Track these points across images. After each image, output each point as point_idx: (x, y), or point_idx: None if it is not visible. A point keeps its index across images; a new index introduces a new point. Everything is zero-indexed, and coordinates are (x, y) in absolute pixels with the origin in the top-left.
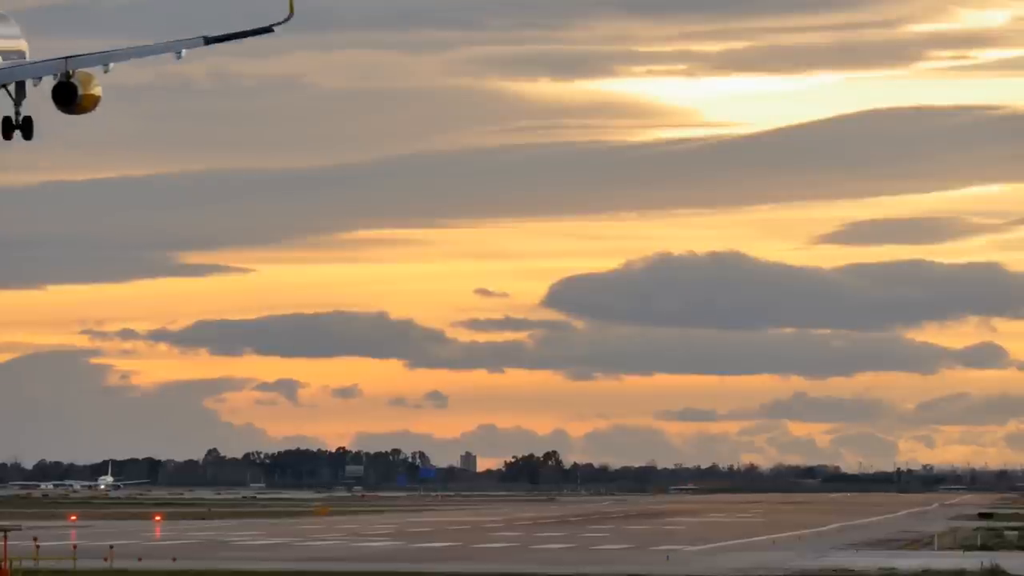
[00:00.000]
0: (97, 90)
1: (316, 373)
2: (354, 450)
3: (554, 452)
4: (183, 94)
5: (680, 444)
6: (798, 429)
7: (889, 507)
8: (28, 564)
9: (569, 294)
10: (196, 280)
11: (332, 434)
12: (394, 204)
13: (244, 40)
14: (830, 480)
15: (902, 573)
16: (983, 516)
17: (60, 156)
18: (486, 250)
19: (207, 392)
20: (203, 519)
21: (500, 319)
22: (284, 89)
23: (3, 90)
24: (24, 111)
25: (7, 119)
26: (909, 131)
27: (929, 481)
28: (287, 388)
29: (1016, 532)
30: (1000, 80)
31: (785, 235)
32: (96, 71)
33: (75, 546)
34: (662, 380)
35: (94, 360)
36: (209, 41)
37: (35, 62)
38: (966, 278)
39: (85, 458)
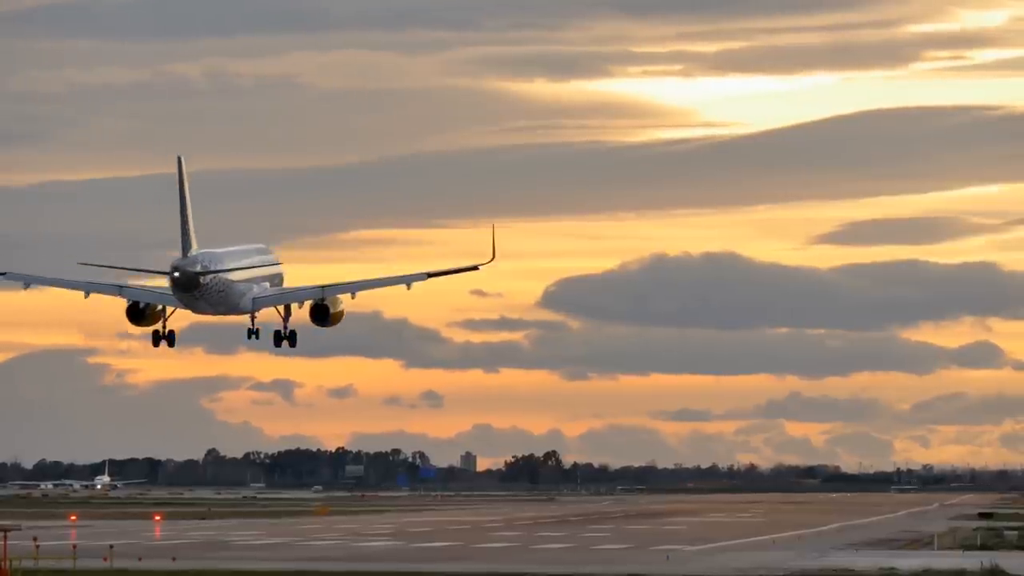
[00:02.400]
0: (342, 308)
1: (312, 373)
2: (352, 450)
3: (554, 452)
4: (180, 94)
5: (676, 444)
6: (794, 429)
7: (889, 507)
8: (28, 564)
9: (565, 294)
10: None
11: (329, 434)
12: (391, 204)
13: (239, 40)
14: (830, 480)
15: (902, 573)
16: (983, 516)
17: (59, 156)
18: (482, 250)
19: (205, 392)
20: (203, 519)
21: (496, 319)
22: (281, 89)
23: (274, 309)
24: (257, 320)
25: (277, 332)
26: (906, 131)
27: (928, 481)
28: (283, 388)
29: (1016, 532)
30: (997, 80)
31: (783, 235)
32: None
33: (75, 546)
34: (658, 380)
35: (92, 360)
36: (431, 275)
37: (300, 289)
38: (962, 278)
39: (85, 458)
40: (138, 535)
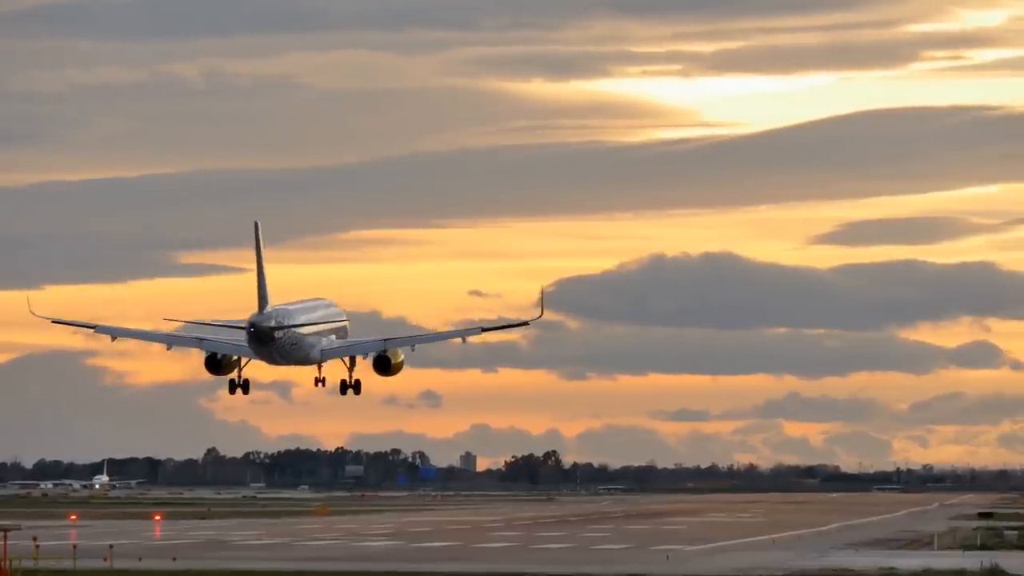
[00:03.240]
0: (402, 359)
1: (310, 373)
2: (352, 450)
3: (554, 452)
4: (178, 94)
5: (675, 444)
6: (792, 429)
7: (889, 507)
8: (28, 564)
9: (564, 294)
10: (191, 280)
11: (327, 434)
12: (390, 204)
13: (238, 40)
14: (829, 480)
15: (902, 573)
16: (983, 516)
17: (57, 157)
18: (481, 250)
19: (204, 392)
20: (203, 519)
21: (494, 319)
22: (279, 89)
23: (340, 360)
24: (321, 369)
25: (343, 382)
26: (905, 131)
27: (929, 480)
28: (281, 388)
29: (1016, 532)
30: (996, 80)
31: (781, 235)
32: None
33: (75, 546)
34: (657, 380)
35: (91, 361)
36: (484, 330)
37: (364, 342)
38: (960, 278)
39: (85, 458)
40: (138, 535)
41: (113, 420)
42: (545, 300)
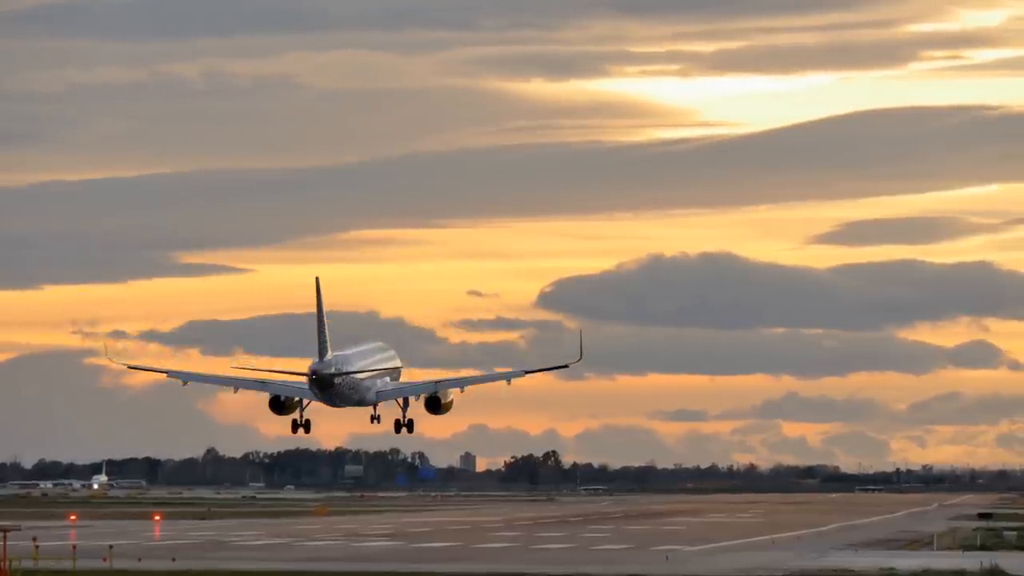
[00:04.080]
0: (452, 398)
1: None
2: (351, 449)
3: (553, 452)
4: (177, 94)
5: (674, 444)
6: (791, 429)
7: (888, 507)
8: (28, 564)
9: (562, 294)
10: (190, 280)
11: (326, 434)
12: (389, 204)
13: (237, 40)
14: (829, 480)
15: (902, 573)
16: (982, 516)
17: (57, 157)
18: (480, 250)
19: (204, 392)
20: (203, 519)
21: (492, 319)
22: (278, 89)
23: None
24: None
25: (397, 421)
26: (904, 131)
27: (929, 480)
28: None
29: (1015, 532)
30: (995, 80)
31: (780, 235)
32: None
33: (75, 546)
34: (655, 380)
35: (91, 360)
36: (527, 372)
37: (417, 384)
38: (959, 278)
39: (85, 457)
40: (138, 535)
41: (113, 420)
42: (542, 300)
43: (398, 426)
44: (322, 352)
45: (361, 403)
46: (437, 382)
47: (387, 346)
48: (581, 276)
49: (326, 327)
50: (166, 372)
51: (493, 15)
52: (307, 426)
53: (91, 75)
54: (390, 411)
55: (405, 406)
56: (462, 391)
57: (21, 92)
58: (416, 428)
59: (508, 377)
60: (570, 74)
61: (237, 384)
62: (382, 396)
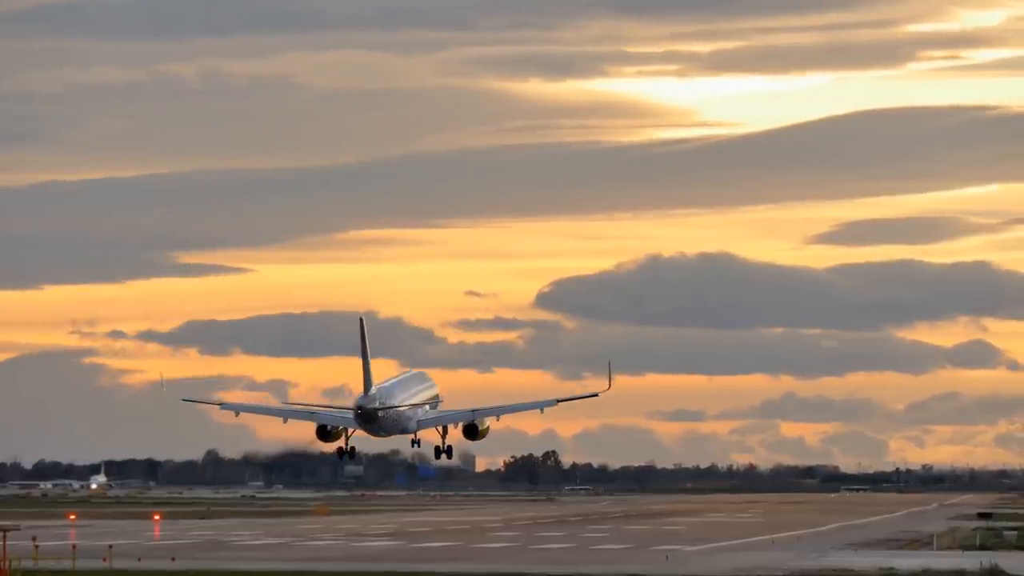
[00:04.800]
0: (488, 426)
1: (307, 373)
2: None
3: (553, 452)
4: (175, 94)
5: (672, 444)
6: (789, 429)
7: (888, 507)
8: (27, 564)
9: (561, 294)
10: (189, 280)
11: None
12: (387, 205)
13: (235, 40)
14: (829, 480)
15: (902, 573)
16: (982, 516)
17: (55, 157)
18: (479, 250)
19: (203, 392)
20: (202, 519)
21: (490, 319)
22: (276, 89)
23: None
24: (413, 436)
25: (437, 447)
26: (902, 132)
27: (928, 480)
28: (278, 388)
29: (1015, 532)
30: (993, 80)
31: (779, 235)
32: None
33: (74, 546)
34: (654, 380)
35: (90, 360)
36: (559, 401)
37: (454, 413)
38: (957, 278)
39: (85, 458)
40: (137, 535)
41: (113, 421)
42: (540, 300)
43: (438, 452)
44: (367, 387)
45: (403, 432)
46: (474, 411)
47: (425, 375)
48: (579, 276)
49: (370, 365)
50: (220, 404)
51: (491, 15)
52: (352, 453)
53: (89, 75)
54: (430, 434)
55: (444, 433)
56: (497, 419)
57: (19, 92)
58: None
59: (541, 406)
60: (568, 74)
61: (286, 415)
62: (423, 425)
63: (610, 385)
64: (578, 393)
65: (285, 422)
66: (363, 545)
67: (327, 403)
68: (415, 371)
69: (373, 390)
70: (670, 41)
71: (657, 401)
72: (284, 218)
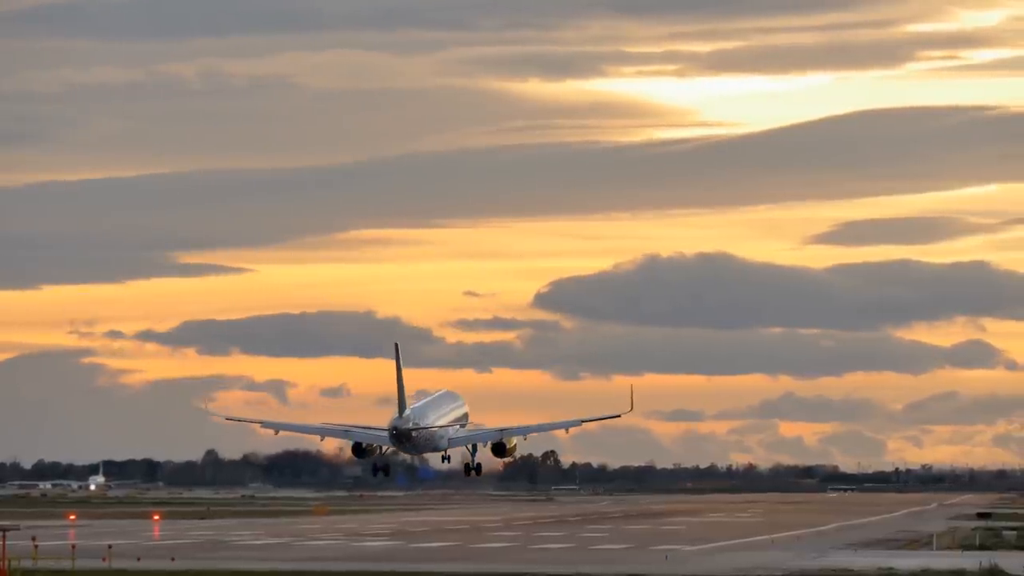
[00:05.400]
0: (515, 444)
1: (304, 373)
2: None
3: (552, 452)
4: (174, 94)
5: (670, 444)
6: (787, 429)
7: (888, 507)
8: (27, 564)
9: (559, 294)
10: (188, 280)
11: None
12: (385, 205)
13: (234, 40)
14: (828, 480)
15: (901, 573)
16: (981, 516)
17: (54, 157)
18: (477, 250)
19: (202, 392)
20: (202, 519)
21: (489, 319)
22: (274, 89)
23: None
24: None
25: (467, 464)
26: (902, 131)
27: (928, 480)
28: (276, 388)
29: (1014, 532)
30: (992, 80)
31: (778, 235)
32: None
33: (74, 546)
34: (652, 380)
35: (89, 360)
36: (583, 422)
37: (484, 432)
38: (955, 278)
39: (84, 458)
40: (137, 535)
41: (112, 421)
42: (539, 300)
43: (467, 469)
44: (401, 408)
45: (435, 450)
46: (502, 430)
47: (455, 394)
48: (578, 276)
49: (404, 388)
50: (261, 423)
51: (490, 15)
52: (386, 470)
53: (88, 75)
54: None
55: (473, 451)
56: (525, 439)
57: (18, 92)
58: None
59: (567, 426)
60: (567, 74)
61: (324, 433)
62: (454, 443)
63: (632, 407)
64: (602, 415)
65: (322, 439)
66: (363, 545)
67: (331, 402)
68: (445, 391)
69: (407, 411)
70: (669, 41)
71: (655, 401)
72: (283, 218)
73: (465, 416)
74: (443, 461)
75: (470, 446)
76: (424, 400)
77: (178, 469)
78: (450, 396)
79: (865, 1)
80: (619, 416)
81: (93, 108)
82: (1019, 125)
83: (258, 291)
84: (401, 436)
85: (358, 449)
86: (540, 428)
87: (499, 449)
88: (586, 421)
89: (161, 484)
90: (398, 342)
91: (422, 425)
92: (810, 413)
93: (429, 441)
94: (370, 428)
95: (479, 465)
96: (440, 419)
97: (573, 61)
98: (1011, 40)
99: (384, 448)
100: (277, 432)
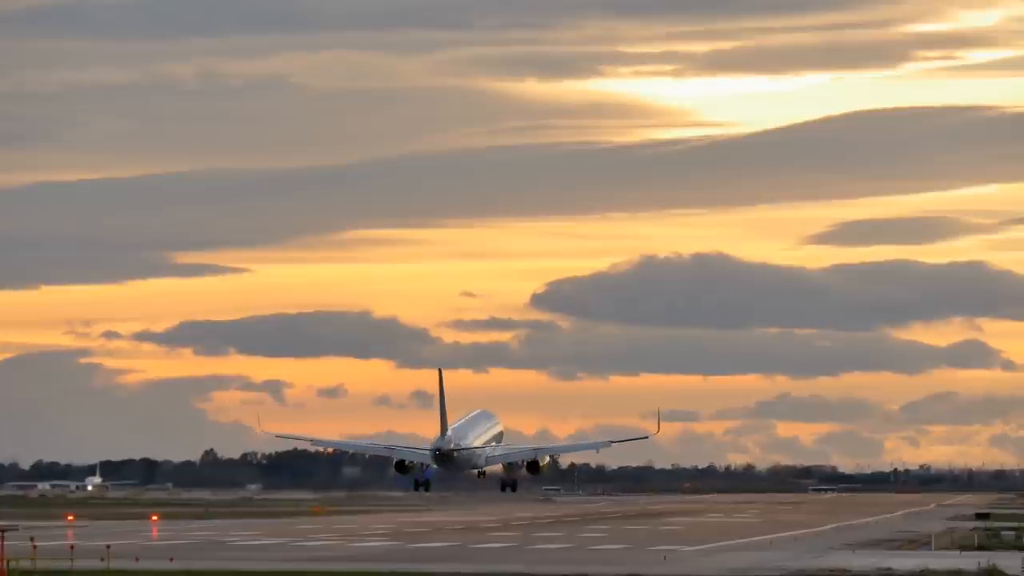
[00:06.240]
0: (547, 461)
1: (302, 373)
2: (347, 451)
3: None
4: (172, 94)
5: (666, 444)
6: (784, 429)
7: (886, 507)
8: (25, 564)
9: (555, 295)
10: (185, 280)
11: (321, 434)
12: (382, 205)
13: (232, 40)
14: (827, 480)
15: (899, 573)
16: (980, 516)
17: (53, 157)
18: (474, 250)
19: (200, 392)
20: (201, 519)
21: (485, 319)
22: (272, 89)
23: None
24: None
25: (503, 481)
26: (899, 132)
27: (927, 481)
28: (273, 388)
29: (1013, 532)
30: (989, 80)
31: (775, 236)
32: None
33: (72, 546)
34: (648, 380)
35: (87, 360)
36: (612, 443)
37: (520, 451)
38: (952, 278)
39: (83, 458)
40: (136, 535)
41: (111, 421)
42: (535, 300)
43: (503, 486)
44: (443, 430)
45: (474, 468)
46: (536, 449)
47: (490, 413)
48: (574, 276)
49: (447, 412)
50: (311, 440)
51: (486, 15)
52: (427, 485)
53: (85, 75)
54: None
55: (508, 469)
56: (558, 458)
57: (15, 92)
58: (412, 429)
59: (597, 447)
60: (563, 74)
61: (370, 450)
62: (491, 461)
63: (659, 428)
64: (630, 436)
65: (367, 457)
66: (361, 545)
67: (328, 402)
68: (480, 411)
69: (449, 432)
70: (666, 41)
71: (652, 401)
72: (279, 218)
73: (500, 435)
74: (479, 476)
75: (505, 464)
76: (462, 420)
77: (176, 469)
78: (485, 416)
79: (863, 1)
80: (647, 437)
81: (90, 108)
82: (1017, 125)
83: (255, 291)
84: (444, 456)
85: (401, 466)
86: (571, 448)
87: (533, 467)
88: (616, 442)
89: (159, 484)
90: (441, 368)
91: (463, 445)
92: (807, 413)
93: (469, 460)
94: (414, 448)
95: (515, 482)
96: (478, 439)
97: (570, 61)
98: (1009, 40)
99: (425, 465)
100: (325, 449)
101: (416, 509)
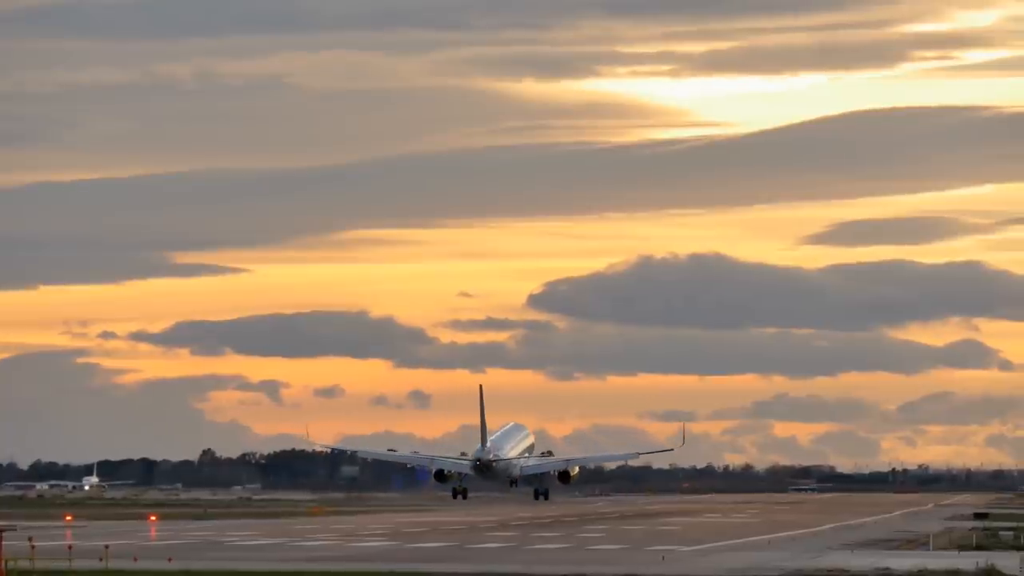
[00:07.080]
0: (577, 471)
1: (299, 373)
2: (346, 451)
3: (549, 452)
4: (170, 94)
5: (664, 444)
6: (781, 429)
7: (884, 507)
8: (24, 564)
9: (552, 295)
10: (183, 281)
11: (317, 434)
12: (379, 205)
13: (231, 40)
14: (825, 480)
15: (897, 573)
16: (978, 516)
17: (52, 157)
18: (471, 250)
19: (199, 392)
20: (199, 519)
21: (482, 319)
22: (269, 89)
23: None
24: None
25: (536, 490)
26: (895, 132)
27: (925, 481)
28: (270, 388)
29: (1011, 532)
30: (987, 80)
31: (772, 236)
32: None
33: (71, 546)
34: (646, 380)
35: (84, 360)
36: (639, 454)
37: (552, 462)
38: (950, 278)
39: (82, 458)
40: (134, 535)
41: (109, 421)
42: (532, 300)
43: (536, 494)
44: (483, 441)
45: (509, 478)
46: (567, 460)
47: (522, 425)
48: (571, 277)
49: (486, 424)
50: (355, 452)
51: (484, 16)
52: (464, 493)
53: (83, 75)
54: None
55: (540, 479)
56: (586, 468)
57: (13, 92)
58: (409, 429)
59: (626, 458)
60: (561, 74)
61: (411, 461)
62: (525, 472)
63: (683, 442)
64: (655, 448)
65: (408, 467)
66: (359, 545)
67: (325, 402)
68: (513, 423)
69: (488, 443)
70: (663, 41)
71: (648, 401)
72: (276, 218)
73: (532, 446)
74: (511, 485)
75: (538, 474)
76: (498, 433)
77: (174, 469)
78: (517, 428)
79: (860, 1)
80: (672, 450)
81: (89, 108)
82: (1014, 125)
83: (251, 291)
84: (483, 467)
85: (440, 475)
86: (600, 459)
87: (564, 476)
88: (642, 453)
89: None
90: (482, 384)
91: (501, 457)
92: (804, 413)
93: (506, 470)
94: (455, 458)
95: (547, 491)
96: (513, 450)
97: (567, 61)
98: (1006, 40)
99: (463, 474)
100: (368, 460)
101: (416, 509)
